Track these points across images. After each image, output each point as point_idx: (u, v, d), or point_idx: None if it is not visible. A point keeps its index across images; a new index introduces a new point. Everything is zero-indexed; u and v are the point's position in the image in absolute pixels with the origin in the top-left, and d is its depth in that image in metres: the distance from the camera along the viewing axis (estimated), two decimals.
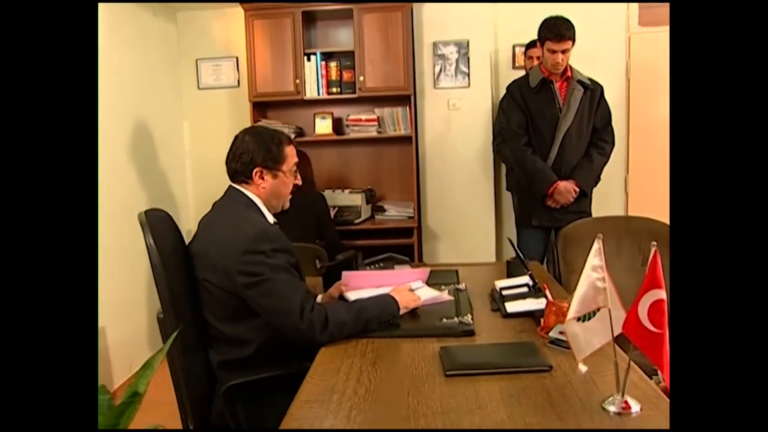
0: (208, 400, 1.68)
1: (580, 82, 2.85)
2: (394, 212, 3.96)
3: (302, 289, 1.62)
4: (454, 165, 4.01)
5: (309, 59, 3.80)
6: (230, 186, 1.78)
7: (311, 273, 2.93)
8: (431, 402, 1.24)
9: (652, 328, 1.08)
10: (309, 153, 4.02)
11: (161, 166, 3.80)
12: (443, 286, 2.06)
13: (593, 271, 1.18)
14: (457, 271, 2.29)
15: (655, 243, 1.11)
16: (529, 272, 1.96)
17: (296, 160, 1.83)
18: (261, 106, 3.99)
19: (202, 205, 3.89)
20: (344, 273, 2.05)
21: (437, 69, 3.95)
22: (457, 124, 3.97)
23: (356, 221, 3.73)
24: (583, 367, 1.39)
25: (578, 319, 1.21)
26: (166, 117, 3.87)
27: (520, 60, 3.87)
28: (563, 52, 2.74)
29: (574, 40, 2.77)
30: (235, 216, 1.69)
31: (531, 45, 3.59)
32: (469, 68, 3.92)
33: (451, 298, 1.92)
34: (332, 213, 3.70)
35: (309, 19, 3.93)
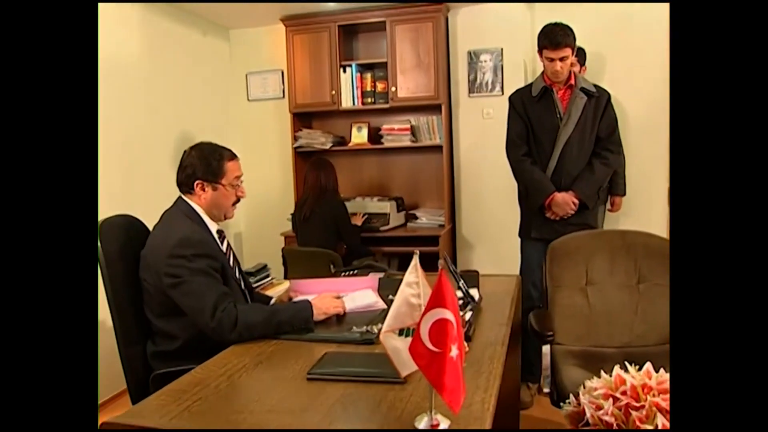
0: (146, 387, 1.88)
1: (583, 89, 2.73)
2: (426, 220, 3.99)
3: (218, 290, 1.75)
4: (488, 174, 3.96)
5: (345, 71, 3.96)
6: (179, 196, 1.97)
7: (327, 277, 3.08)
8: (269, 401, 1.33)
9: (432, 348, 1.09)
10: (347, 162, 4.21)
11: None
12: (390, 296, 2.10)
13: (408, 286, 1.20)
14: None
15: (442, 261, 1.12)
16: (460, 284, 1.96)
17: (238, 174, 1.97)
18: (305, 117, 4.22)
19: (252, 206, 4.21)
20: (292, 281, 2.17)
21: (471, 77, 3.94)
22: (492, 132, 3.90)
23: (382, 228, 3.81)
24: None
25: (400, 334, 1.24)
26: (219, 127, 4.22)
27: None
28: (561, 59, 2.65)
29: (573, 48, 2.67)
30: (170, 223, 1.87)
31: None
32: (503, 76, 3.86)
33: (385, 306, 1.97)
34: (361, 220, 3.83)
35: (351, 31, 4.10)
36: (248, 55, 4.29)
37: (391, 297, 2.06)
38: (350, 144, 4.10)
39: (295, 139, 4.08)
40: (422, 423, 1.19)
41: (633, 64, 3.62)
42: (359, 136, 4.09)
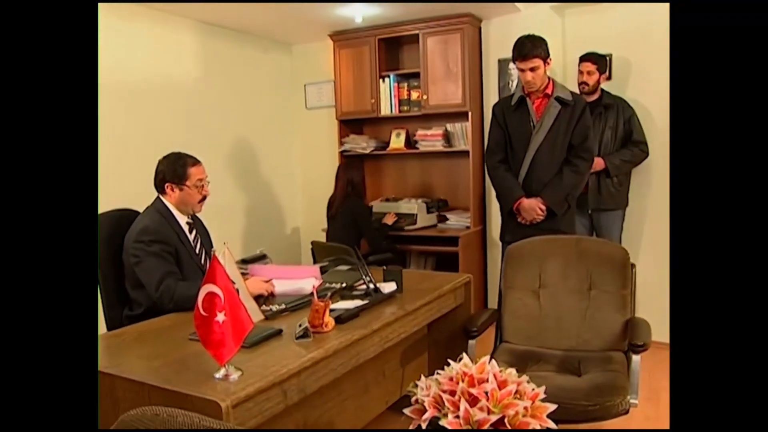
0: None
1: (558, 98, 2.80)
2: (454, 221, 4.19)
3: (165, 269, 2.21)
4: None
5: (384, 80, 4.29)
6: (157, 195, 2.45)
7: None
8: (145, 350, 1.76)
9: (203, 313, 1.43)
10: (392, 165, 4.56)
11: (276, 175, 4.72)
12: (327, 283, 2.43)
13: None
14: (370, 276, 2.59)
15: (214, 249, 1.45)
16: (367, 276, 2.23)
17: (201, 177, 2.40)
18: (356, 123, 4.62)
19: (308, 204, 4.71)
20: (250, 266, 2.57)
21: (501, 85, 4.05)
22: None
23: (407, 228, 4.09)
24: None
25: None
26: (281, 133, 4.78)
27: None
28: (531, 70, 2.76)
29: (544, 58, 2.76)
30: (143, 216, 2.37)
31: (582, 59, 3.49)
32: None
33: (309, 291, 2.30)
34: (392, 218, 4.13)
35: (394, 43, 4.41)
36: (306, 67, 4.79)
37: (335, 285, 2.40)
38: (389, 149, 4.42)
39: (341, 143, 4.49)
40: (219, 374, 1.52)
41: (661, 70, 3.50)
42: (397, 141, 4.39)
